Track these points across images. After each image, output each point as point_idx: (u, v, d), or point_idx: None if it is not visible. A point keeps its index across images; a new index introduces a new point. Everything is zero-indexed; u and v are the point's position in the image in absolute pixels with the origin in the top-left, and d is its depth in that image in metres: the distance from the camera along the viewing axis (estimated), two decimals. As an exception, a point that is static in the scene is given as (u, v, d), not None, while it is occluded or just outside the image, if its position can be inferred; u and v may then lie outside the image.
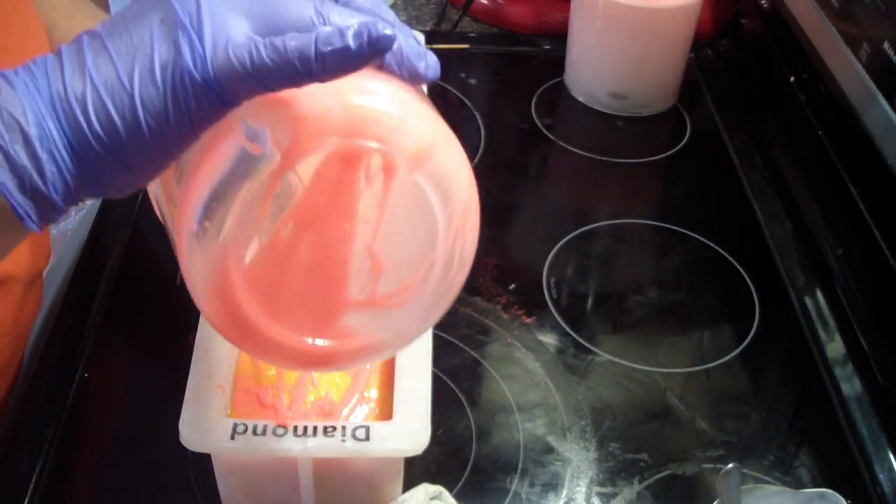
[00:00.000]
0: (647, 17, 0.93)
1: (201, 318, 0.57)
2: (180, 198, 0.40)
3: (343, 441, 0.51)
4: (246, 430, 0.52)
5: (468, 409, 0.68)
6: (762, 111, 1.00)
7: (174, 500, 0.63)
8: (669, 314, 0.79)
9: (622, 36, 0.95)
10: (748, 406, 0.71)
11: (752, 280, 0.80)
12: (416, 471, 0.61)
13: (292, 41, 0.36)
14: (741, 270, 0.81)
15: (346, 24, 0.37)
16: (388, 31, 0.36)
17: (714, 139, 0.98)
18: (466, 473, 0.64)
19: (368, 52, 0.36)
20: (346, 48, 0.36)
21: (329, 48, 0.36)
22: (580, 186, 0.94)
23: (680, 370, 0.73)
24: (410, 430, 0.52)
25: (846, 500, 0.56)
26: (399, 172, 0.41)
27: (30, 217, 0.37)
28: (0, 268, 0.64)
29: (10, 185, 0.36)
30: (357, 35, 0.36)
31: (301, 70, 0.36)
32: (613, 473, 0.65)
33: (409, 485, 0.57)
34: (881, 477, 0.65)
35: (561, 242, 0.84)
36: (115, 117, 0.36)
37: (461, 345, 0.73)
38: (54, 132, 0.36)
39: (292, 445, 0.51)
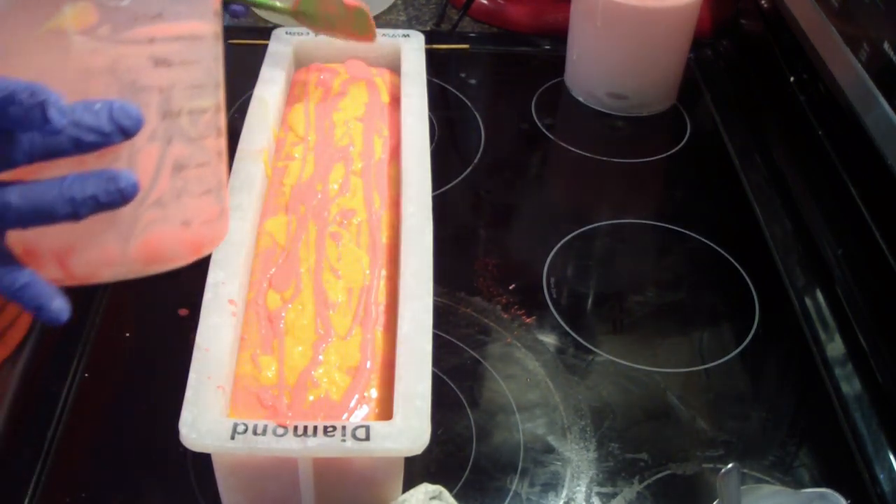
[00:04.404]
0: (647, 17, 0.93)
1: (201, 318, 0.58)
2: None
3: (343, 441, 0.51)
4: (246, 430, 0.52)
5: (468, 409, 0.68)
6: (762, 111, 1.00)
7: (174, 500, 0.63)
8: (669, 314, 0.79)
9: (622, 36, 0.95)
10: (748, 406, 0.71)
11: (752, 280, 0.80)
12: (416, 471, 0.61)
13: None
14: (741, 270, 0.81)
15: None
16: None
17: (714, 139, 0.98)
18: (466, 473, 0.64)
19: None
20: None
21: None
22: (580, 186, 0.94)
23: (679, 370, 0.73)
24: (410, 430, 0.52)
25: (846, 500, 0.56)
26: None
27: None
28: None
29: None
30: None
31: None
32: (613, 473, 0.65)
33: (409, 485, 0.57)
34: (881, 477, 0.65)
35: (561, 242, 0.84)
36: None
37: (461, 345, 0.73)
38: None
39: (292, 445, 0.51)
